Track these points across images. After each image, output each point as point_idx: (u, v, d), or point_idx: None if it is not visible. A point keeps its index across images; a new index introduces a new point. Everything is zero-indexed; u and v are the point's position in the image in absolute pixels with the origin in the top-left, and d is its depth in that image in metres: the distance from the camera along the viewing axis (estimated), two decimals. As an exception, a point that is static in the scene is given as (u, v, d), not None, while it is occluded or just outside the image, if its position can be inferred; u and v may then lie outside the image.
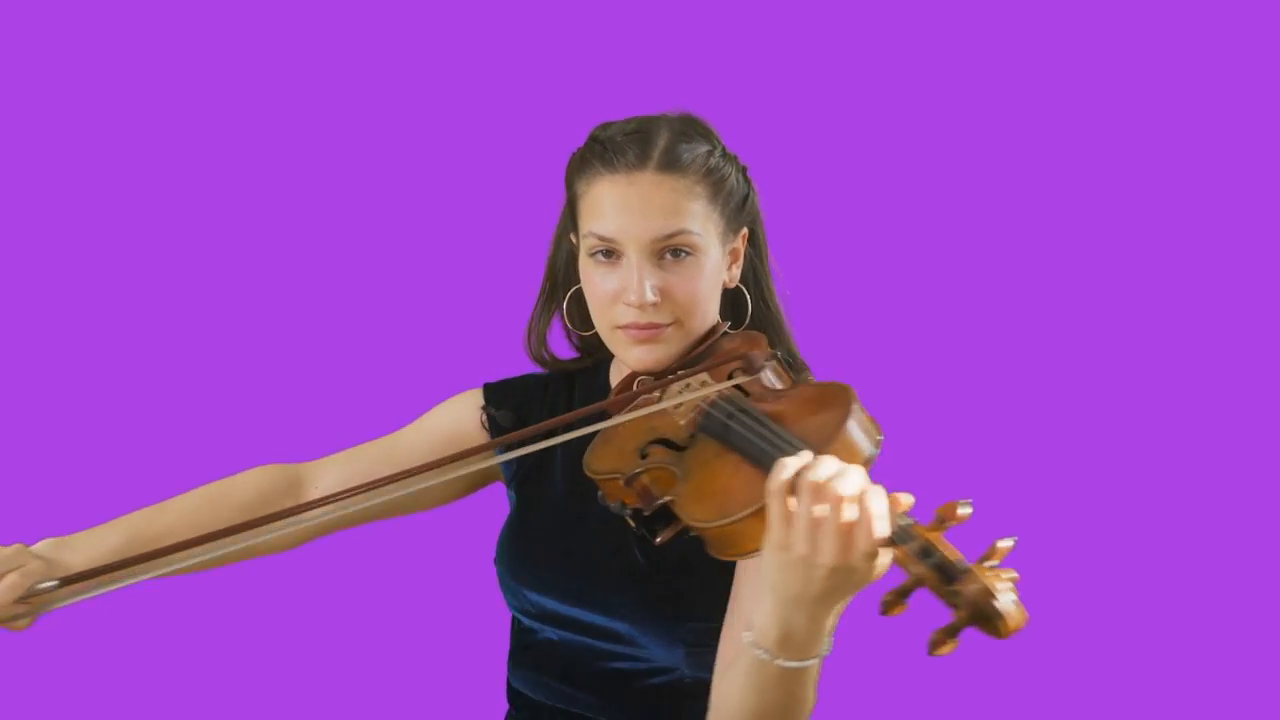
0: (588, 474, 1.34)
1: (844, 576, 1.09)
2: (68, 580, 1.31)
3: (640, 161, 1.39)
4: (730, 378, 1.35)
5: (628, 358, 1.45)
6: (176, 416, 2.52)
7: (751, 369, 1.35)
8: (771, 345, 1.44)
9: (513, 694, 1.59)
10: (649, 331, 1.41)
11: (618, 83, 2.46)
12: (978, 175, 2.52)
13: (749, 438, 1.21)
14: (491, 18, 2.55)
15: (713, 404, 1.30)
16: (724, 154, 1.46)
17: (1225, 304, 2.49)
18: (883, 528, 1.07)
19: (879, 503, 1.07)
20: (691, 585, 1.42)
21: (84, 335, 2.53)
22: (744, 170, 1.50)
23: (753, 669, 1.18)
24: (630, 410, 1.34)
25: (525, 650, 1.55)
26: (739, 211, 1.48)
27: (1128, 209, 2.50)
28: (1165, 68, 2.50)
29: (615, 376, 1.59)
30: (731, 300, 1.53)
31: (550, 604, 1.50)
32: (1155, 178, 2.50)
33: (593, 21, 2.55)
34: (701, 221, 1.41)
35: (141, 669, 2.48)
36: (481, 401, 1.60)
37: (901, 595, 1.07)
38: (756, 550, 1.15)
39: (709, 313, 1.46)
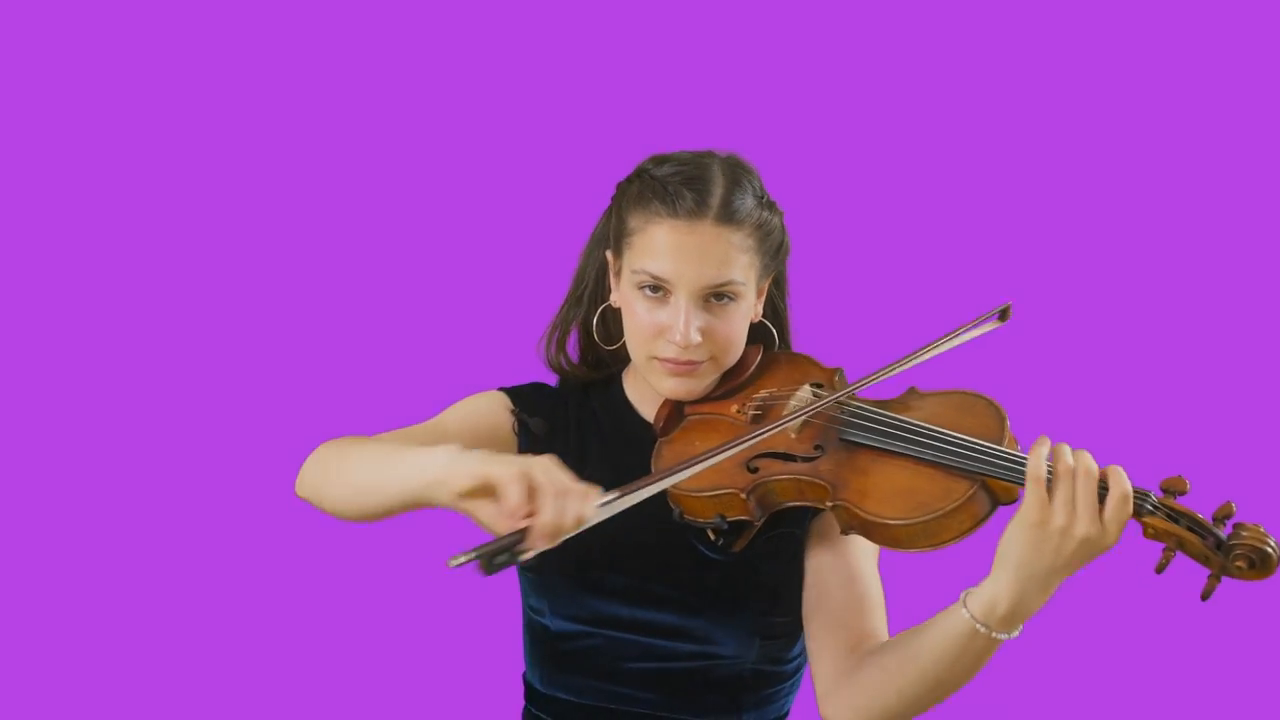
0: (677, 492, 1.43)
1: (1092, 546, 1.25)
2: (628, 490, 1.26)
3: (700, 209, 1.47)
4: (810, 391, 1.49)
5: (662, 387, 1.54)
6: (175, 410, 2.57)
7: (832, 384, 1.49)
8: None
9: (542, 700, 1.61)
10: (687, 367, 1.51)
11: (631, 92, 2.53)
12: (978, 187, 2.58)
13: (924, 442, 1.35)
14: (503, 22, 2.59)
15: (848, 415, 1.42)
16: (769, 203, 1.55)
17: (1231, 305, 2.55)
18: (1129, 488, 1.25)
19: (1122, 472, 1.26)
20: (767, 584, 1.52)
21: (101, 339, 2.58)
22: (782, 217, 1.58)
23: (962, 639, 1.30)
24: (747, 437, 1.40)
25: (565, 656, 1.58)
26: (774, 258, 1.57)
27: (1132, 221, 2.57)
28: (1171, 68, 2.55)
29: (632, 392, 1.64)
30: (750, 330, 1.60)
31: (613, 608, 1.54)
32: (1163, 177, 2.57)
33: (601, 31, 2.58)
34: (745, 270, 1.51)
35: (150, 666, 2.52)
36: (509, 404, 1.62)
37: (1170, 554, 1.26)
38: (954, 540, 1.32)
39: (740, 349, 1.56)
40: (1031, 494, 1.25)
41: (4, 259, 2.56)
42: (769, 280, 1.59)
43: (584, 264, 1.64)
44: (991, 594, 1.27)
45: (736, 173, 1.52)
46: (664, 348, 1.50)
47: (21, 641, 2.51)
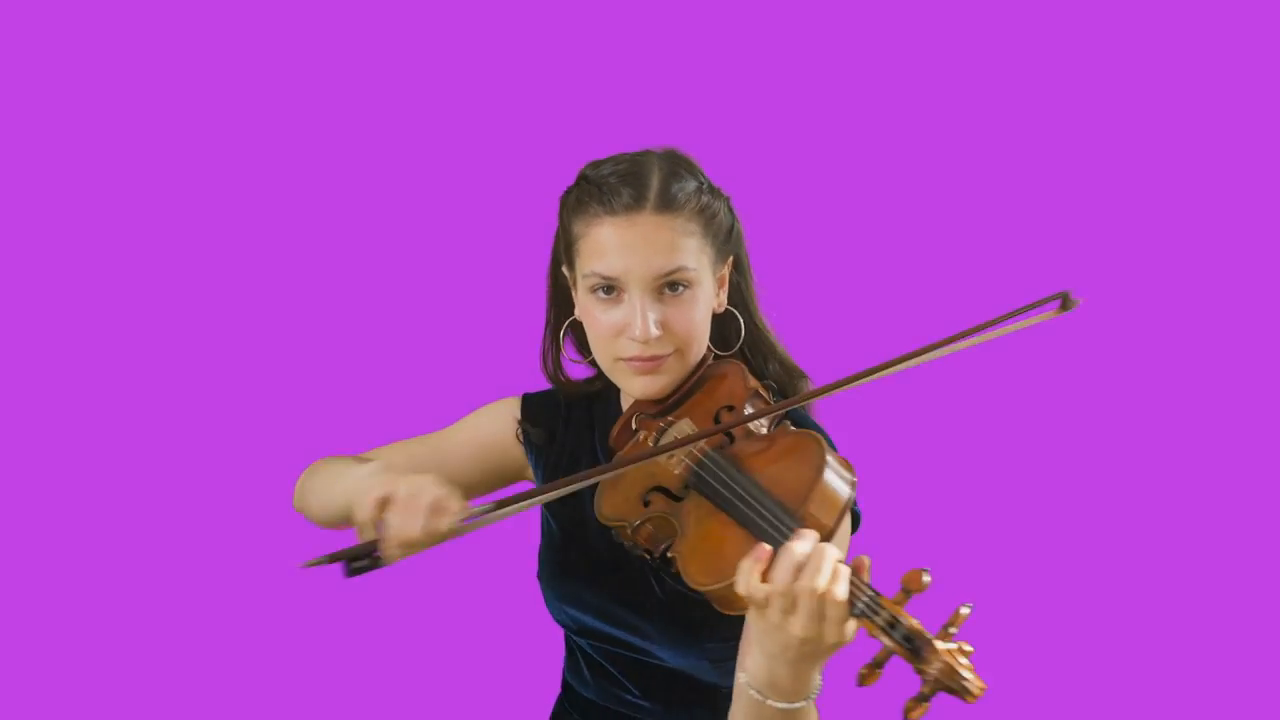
0: (599, 519, 1.43)
1: (815, 645, 1.21)
2: (502, 504, 1.34)
3: (637, 202, 1.44)
4: (715, 420, 1.43)
5: (631, 388, 1.51)
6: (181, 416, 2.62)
7: (738, 415, 1.42)
8: (755, 372, 1.53)
9: (570, 689, 1.69)
10: (651, 363, 1.48)
11: (647, 97, 2.54)
12: (954, 180, 2.57)
13: (736, 503, 1.29)
14: (511, 23, 2.61)
15: (702, 458, 1.37)
16: (711, 188, 1.51)
17: (1222, 321, 2.54)
18: (843, 590, 1.18)
19: (845, 575, 1.19)
20: (709, 612, 1.49)
21: (111, 350, 2.63)
22: (728, 201, 1.55)
23: (750, 706, 1.29)
24: (631, 457, 1.40)
25: (572, 653, 1.66)
26: (726, 242, 1.53)
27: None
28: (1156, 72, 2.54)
29: (626, 402, 1.64)
30: (719, 323, 1.57)
31: (588, 620, 1.59)
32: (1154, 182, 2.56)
33: (612, 37, 2.61)
34: (696, 256, 1.47)
35: (187, 670, 2.60)
36: (518, 414, 1.66)
37: (875, 666, 1.17)
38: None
39: (704, 339, 1.52)
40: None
41: (10, 269, 2.60)
42: (727, 266, 1.55)
43: (552, 285, 1.64)
44: (751, 666, 1.27)
45: (673, 163, 1.50)
46: (625, 346, 1.47)
47: (25, 644, 2.58)
